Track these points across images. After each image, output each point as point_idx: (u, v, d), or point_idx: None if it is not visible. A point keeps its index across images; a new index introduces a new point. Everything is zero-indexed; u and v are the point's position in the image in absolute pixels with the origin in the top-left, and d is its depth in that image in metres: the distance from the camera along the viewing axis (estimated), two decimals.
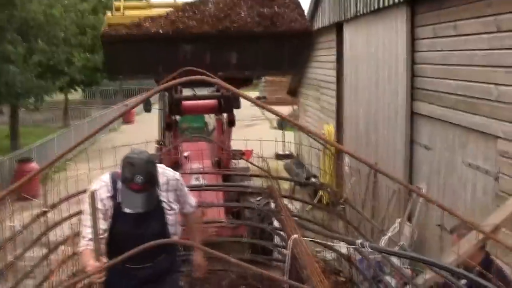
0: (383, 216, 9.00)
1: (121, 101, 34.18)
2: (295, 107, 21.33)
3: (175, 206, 4.40)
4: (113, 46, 7.95)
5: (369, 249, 3.90)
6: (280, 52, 8.29)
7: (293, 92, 19.81)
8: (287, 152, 19.81)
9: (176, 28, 7.93)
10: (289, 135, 19.69)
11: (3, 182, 15.78)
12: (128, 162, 4.01)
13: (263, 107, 4.90)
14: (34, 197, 15.54)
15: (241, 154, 9.80)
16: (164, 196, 4.30)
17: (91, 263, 3.85)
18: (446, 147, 7.22)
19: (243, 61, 8.21)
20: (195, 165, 8.90)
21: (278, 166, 16.87)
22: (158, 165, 4.29)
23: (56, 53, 19.90)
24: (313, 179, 15.24)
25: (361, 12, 10.38)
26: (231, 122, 9.52)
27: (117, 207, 4.15)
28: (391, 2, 8.74)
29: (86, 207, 4.05)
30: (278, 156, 19.38)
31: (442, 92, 7.24)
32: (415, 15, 8.19)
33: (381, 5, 9.19)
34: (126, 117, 32.34)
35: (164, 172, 4.35)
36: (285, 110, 26.55)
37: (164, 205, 4.30)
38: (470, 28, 6.51)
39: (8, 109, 21.37)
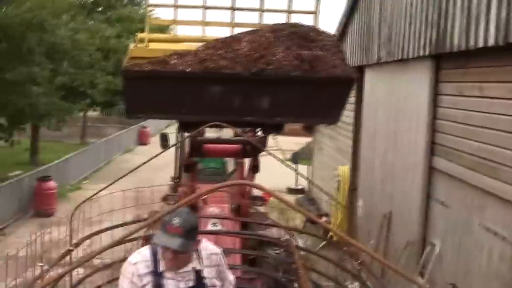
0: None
1: (136, 120, 34.31)
2: (309, 140, 21.32)
3: (218, 282, 4.20)
4: (135, 83, 7.35)
5: None
6: (317, 100, 7.45)
7: (309, 128, 19.87)
8: (299, 187, 19.80)
9: (205, 68, 7.18)
10: (303, 168, 19.64)
11: (22, 199, 16.04)
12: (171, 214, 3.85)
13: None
14: (51, 214, 15.89)
15: (261, 201, 9.68)
16: (207, 272, 4.10)
17: None
18: (463, 207, 7.20)
19: (275, 107, 7.45)
20: (213, 210, 8.44)
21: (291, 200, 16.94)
22: (202, 238, 4.17)
23: (80, 75, 20.27)
24: (324, 218, 15.25)
25: (384, 60, 10.44)
26: (255, 168, 8.82)
27: (157, 284, 3.96)
28: (415, 55, 8.79)
29: (122, 282, 3.97)
30: (290, 191, 19.41)
31: (463, 151, 7.25)
32: (439, 70, 8.22)
33: (405, 56, 9.25)
34: (142, 139, 32.58)
35: (207, 246, 4.20)
36: (299, 141, 26.64)
37: (207, 281, 4.10)
38: (495, 91, 6.54)
39: (30, 124, 21.78)
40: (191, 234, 3.85)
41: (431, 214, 8.30)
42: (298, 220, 15.08)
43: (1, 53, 15.29)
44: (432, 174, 8.31)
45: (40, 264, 5.02)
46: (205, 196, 8.83)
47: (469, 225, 7.02)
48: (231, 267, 7.46)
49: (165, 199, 9.99)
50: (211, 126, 7.98)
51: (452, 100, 7.71)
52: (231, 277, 4.44)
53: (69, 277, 5.84)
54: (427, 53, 8.31)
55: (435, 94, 8.26)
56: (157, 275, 3.95)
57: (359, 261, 5.94)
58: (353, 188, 12.87)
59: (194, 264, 4.03)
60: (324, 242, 13.56)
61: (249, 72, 7.14)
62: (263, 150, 8.27)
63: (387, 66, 10.47)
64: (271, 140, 31.94)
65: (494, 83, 6.61)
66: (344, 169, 13.38)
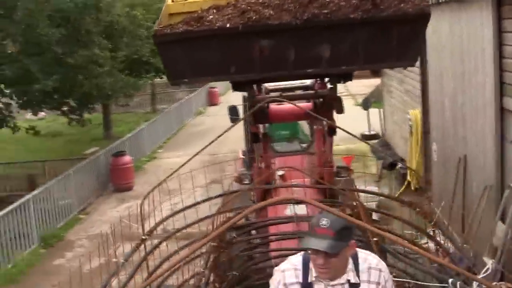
0: (474, 214, 8.80)
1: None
2: (378, 84, 20.88)
3: None
4: (169, 47, 6.51)
5: None
6: (387, 42, 6.39)
7: (376, 72, 19.45)
8: (372, 132, 19.52)
9: (247, 20, 6.24)
10: (374, 112, 19.31)
11: (100, 176, 16.55)
12: (316, 215, 3.51)
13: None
14: (129, 188, 16.36)
15: (346, 170, 8.96)
16: None
17: None
18: None
19: (339, 55, 6.42)
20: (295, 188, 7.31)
21: (365, 147, 16.75)
22: (362, 250, 3.73)
23: (140, 46, 20.50)
24: (400, 164, 15.00)
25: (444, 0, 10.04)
26: (332, 131, 7.75)
27: None
28: None
29: None
30: (364, 137, 19.12)
31: None
32: (501, 6, 7.81)
33: None
34: (212, 99, 32.83)
35: (367, 258, 3.66)
36: (369, 83, 26.16)
37: None
38: None
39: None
40: (342, 234, 3.38)
41: (507, 157, 8.01)
42: (373, 168, 14.97)
43: (61, 38, 15.58)
44: (504, 115, 7.99)
45: (115, 259, 5.12)
46: (281, 172, 8.12)
47: None
48: None
49: (238, 179, 9.44)
50: (272, 102, 7.62)
51: None
52: None
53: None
54: None
55: (500, 32, 7.86)
56: (305, 285, 3.60)
57: (433, 222, 5.82)
58: (426, 132, 12.57)
59: (349, 277, 3.55)
60: (402, 189, 13.53)
61: (300, 20, 6.16)
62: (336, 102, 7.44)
63: (448, 6, 10.04)
64: (340, 86, 31.46)
65: None
66: (416, 113, 13.07)
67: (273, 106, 7.88)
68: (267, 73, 6.53)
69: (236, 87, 7.33)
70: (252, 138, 8.15)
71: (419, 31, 6.51)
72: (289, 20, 6.14)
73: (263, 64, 6.40)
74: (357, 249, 3.64)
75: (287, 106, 7.74)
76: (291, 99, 7.97)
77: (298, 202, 6.35)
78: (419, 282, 4.75)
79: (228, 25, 6.20)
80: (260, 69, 6.44)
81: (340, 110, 7.83)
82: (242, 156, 11.37)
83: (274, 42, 6.35)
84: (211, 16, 6.37)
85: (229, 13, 6.35)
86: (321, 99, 7.76)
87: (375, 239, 5.32)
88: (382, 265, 3.68)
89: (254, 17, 6.23)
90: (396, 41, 6.34)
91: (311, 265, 3.54)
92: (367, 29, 6.27)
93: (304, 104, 8.29)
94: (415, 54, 6.69)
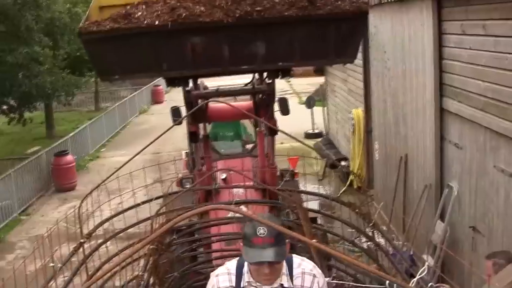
0: (414, 212, 8.94)
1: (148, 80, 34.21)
2: (322, 82, 21.05)
3: None
4: (96, 45, 6.21)
5: None
6: (324, 39, 6.27)
7: (320, 70, 19.62)
8: (316, 131, 19.67)
9: (177, 17, 5.96)
10: (318, 111, 19.47)
11: (42, 176, 16.17)
12: (247, 225, 3.34)
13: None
14: (71, 188, 16.01)
15: (291, 174, 8.87)
16: None
17: None
18: (476, 149, 7.06)
19: (275, 51, 6.26)
20: (237, 191, 7.22)
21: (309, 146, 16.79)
22: (297, 256, 3.65)
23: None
24: (343, 163, 15.16)
25: (385, 0, 10.16)
26: (272, 130, 7.49)
27: None
28: None
29: None
30: (308, 135, 19.28)
31: (471, 92, 7.06)
32: (441, 9, 7.95)
33: None
34: (156, 97, 32.49)
35: (301, 263, 3.61)
36: (313, 81, 26.35)
37: None
38: (500, 29, 6.27)
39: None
40: (280, 237, 3.27)
41: (446, 156, 8.17)
42: (317, 167, 15.06)
43: (0, 35, 15.17)
44: (443, 116, 8.14)
45: (52, 264, 4.99)
46: (224, 176, 7.98)
47: (484, 167, 6.89)
48: None
49: (179, 183, 9.20)
50: (207, 97, 7.26)
51: (457, 39, 7.46)
52: None
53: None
54: None
55: (440, 34, 8.00)
56: None
57: (371, 224, 5.88)
58: (368, 131, 12.74)
59: (283, 281, 3.48)
60: (344, 188, 13.66)
61: (232, 18, 5.98)
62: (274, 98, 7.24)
63: (389, 7, 10.18)
64: (285, 84, 31.75)
65: (497, 21, 6.35)
66: (358, 112, 13.22)
67: (212, 105, 7.64)
68: (200, 70, 6.40)
69: (170, 82, 7.20)
70: (191, 137, 7.89)
71: (357, 29, 6.45)
72: (221, 17, 5.98)
73: (196, 61, 6.25)
74: (293, 254, 3.63)
75: (223, 106, 7.47)
76: (228, 94, 7.89)
77: (239, 207, 6.38)
78: (359, 285, 4.77)
79: (157, 23, 5.98)
80: (193, 65, 6.31)
81: (286, 112, 7.82)
82: (185, 158, 11.05)
83: (206, 40, 6.19)
84: (139, 13, 6.13)
85: (159, 9, 6.13)
86: (260, 96, 7.60)
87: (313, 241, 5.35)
88: (317, 271, 3.61)
89: (184, 14, 6.01)
90: (334, 38, 6.28)
91: (245, 269, 3.50)
92: (303, 26, 6.17)
93: (244, 103, 8.15)
94: (354, 51, 6.64)
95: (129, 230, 6.64)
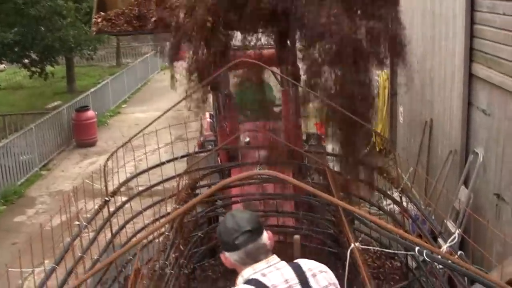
0: (437, 178, 8.88)
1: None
2: None
3: None
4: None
5: (427, 258, 3.77)
6: None
7: None
8: None
9: None
10: None
11: (63, 131, 16.22)
12: (224, 228, 2.83)
13: None
14: (92, 144, 16.07)
15: (317, 137, 8.62)
16: None
17: None
18: (505, 116, 6.94)
19: None
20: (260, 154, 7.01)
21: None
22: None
23: None
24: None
25: None
26: (296, 78, 7.12)
27: None
28: None
29: None
30: None
31: (502, 58, 6.91)
32: None
33: None
34: (177, 56, 32.21)
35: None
36: None
37: None
38: None
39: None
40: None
41: (473, 123, 8.05)
42: None
43: None
44: (472, 82, 7.99)
45: (77, 222, 5.01)
46: (247, 139, 7.83)
47: None
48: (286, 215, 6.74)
49: (201, 145, 9.06)
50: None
51: (490, 4, 7.28)
52: None
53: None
54: None
55: None
56: None
57: (400, 188, 5.82)
58: (393, 94, 12.58)
59: None
60: (366, 150, 13.51)
61: None
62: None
63: None
64: None
65: None
66: (382, 74, 13.02)
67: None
68: None
69: None
70: (213, 87, 7.58)
71: None
72: None
73: None
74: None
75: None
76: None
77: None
78: (386, 250, 4.75)
79: None
80: None
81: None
82: (209, 120, 10.96)
83: None
84: None
85: None
86: None
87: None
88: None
89: None
90: None
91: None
92: None
93: (268, 51, 7.69)
94: None
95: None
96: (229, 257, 2.79)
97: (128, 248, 2.59)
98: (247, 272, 2.76)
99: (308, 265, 2.87)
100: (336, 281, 2.91)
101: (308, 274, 2.81)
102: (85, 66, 28.24)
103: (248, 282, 2.73)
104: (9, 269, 4.07)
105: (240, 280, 2.78)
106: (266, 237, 2.81)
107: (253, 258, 2.75)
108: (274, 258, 2.81)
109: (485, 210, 7.63)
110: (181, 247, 5.71)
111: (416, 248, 3.86)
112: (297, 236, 5.25)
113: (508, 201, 6.92)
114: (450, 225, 7.81)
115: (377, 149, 12.96)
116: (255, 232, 2.74)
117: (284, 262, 2.83)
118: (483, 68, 7.51)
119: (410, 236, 2.76)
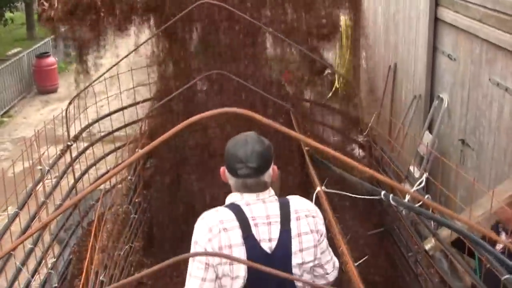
0: (401, 123, 8.89)
1: None
2: None
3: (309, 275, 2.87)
4: None
5: (393, 202, 3.76)
6: None
7: None
8: None
9: None
10: None
11: (24, 77, 15.87)
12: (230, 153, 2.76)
13: None
14: (53, 90, 15.78)
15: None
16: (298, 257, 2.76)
17: None
18: (471, 61, 6.93)
19: None
20: None
21: None
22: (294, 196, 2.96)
23: None
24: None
25: None
26: None
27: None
28: None
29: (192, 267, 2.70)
30: None
31: (469, 2, 6.85)
32: None
33: None
34: None
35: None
36: None
37: (296, 270, 2.77)
38: None
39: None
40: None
41: (438, 67, 8.04)
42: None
43: None
44: (437, 26, 7.95)
45: (39, 167, 4.89)
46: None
47: (478, 80, 6.77)
48: None
49: None
50: None
51: None
52: (335, 259, 3.06)
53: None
54: None
55: None
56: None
57: (365, 133, 5.79)
58: (356, 39, 12.47)
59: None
60: (330, 94, 13.46)
61: None
62: None
63: None
64: None
65: None
66: (345, 19, 12.87)
67: None
68: None
69: None
70: None
71: None
72: None
73: None
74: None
75: None
76: None
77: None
78: (349, 194, 4.71)
79: None
80: None
81: None
82: None
83: None
84: None
85: None
86: None
87: (306, 148, 5.29)
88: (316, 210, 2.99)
89: None
90: None
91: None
92: None
93: None
94: None
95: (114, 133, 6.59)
96: (227, 176, 2.82)
97: (90, 190, 2.48)
98: (234, 197, 2.80)
99: (297, 206, 2.85)
100: (322, 228, 2.89)
101: (293, 216, 2.80)
102: None
103: (229, 206, 2.77)
104: None
105: (227, 199, 2.84)
106: (269, 174, 2.79)
107: (248, 189, 2.76)
108: (266, 193, 2.80)
109: (449, 155, 7.69)
110: (144, 191, 5.65)
111: (382, 192, 3.84)
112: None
113: (473, 147, 6.98)
114: (415, 170, 7.86)
115: (340, 95, 12.91)
116: (260, 170, 2.72)
117: (274, 198, 2.82)
118: (449, 12, 7.45)
119: (381, 176, 2.68)
